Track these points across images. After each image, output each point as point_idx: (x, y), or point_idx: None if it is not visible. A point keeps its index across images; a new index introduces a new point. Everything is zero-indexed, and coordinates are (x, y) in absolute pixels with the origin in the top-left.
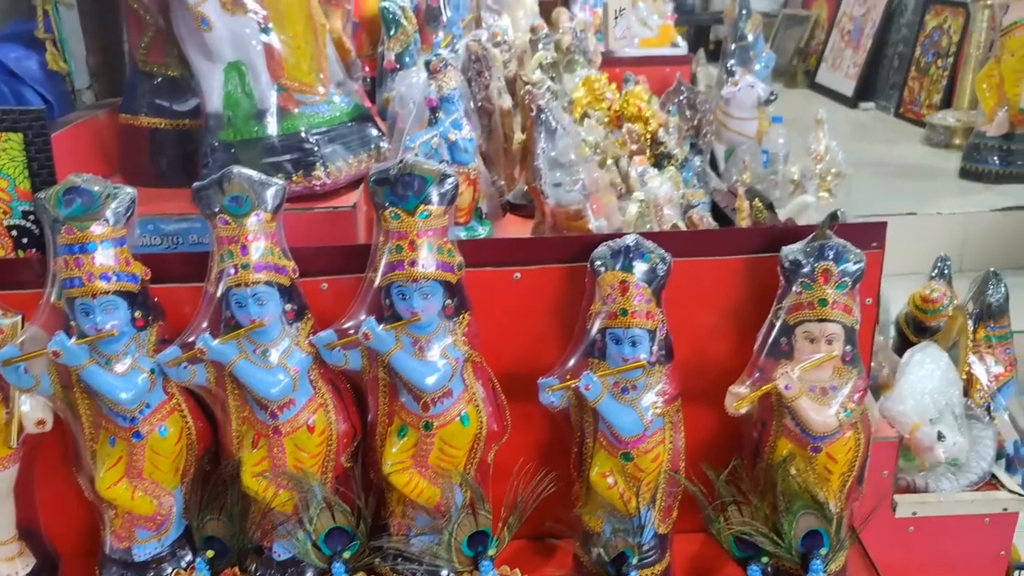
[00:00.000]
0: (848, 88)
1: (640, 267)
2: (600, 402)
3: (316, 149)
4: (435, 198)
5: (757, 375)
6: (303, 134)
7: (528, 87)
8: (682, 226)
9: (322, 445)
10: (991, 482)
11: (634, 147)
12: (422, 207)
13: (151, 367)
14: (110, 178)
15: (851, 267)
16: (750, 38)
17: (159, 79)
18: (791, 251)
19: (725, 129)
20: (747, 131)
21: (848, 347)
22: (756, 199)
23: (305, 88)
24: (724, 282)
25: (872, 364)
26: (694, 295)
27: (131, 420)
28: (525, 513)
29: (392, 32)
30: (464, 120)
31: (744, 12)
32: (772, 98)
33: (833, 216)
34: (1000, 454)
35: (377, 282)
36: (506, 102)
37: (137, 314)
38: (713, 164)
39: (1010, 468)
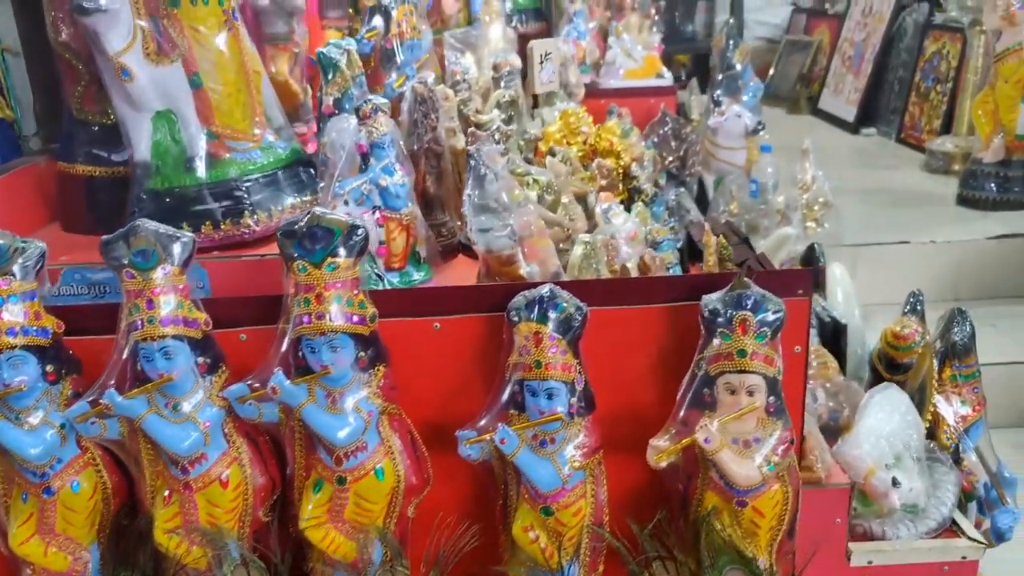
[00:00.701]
0: (850, 114)
1: (554, 318)
2: (517, 456)
3: (246, 196)
4: (343, 251)
5: (679, 427)
6: (234, 181)
7: (473, 129)
8: (632, 268)
9: (237, 500)
10: (951, 529)
11: (604, 182)
12: (329, 260)
13: (62, 422)
14: (48, 225)
15: (770, 316)
16: (738, 67)
17: (95, 128)
18: (710, 300)
19: (713, 159)
20: (735, 160)
21: (771, 398)
22: (722, 235)
23: (238, 135)
24: (647, 331)
25: (832, 404)
26: (616, 345)
27: (41, 476)
28: (446, 568)
29: (330, 76)
30: (396, 165)
31: (732, 42)
32: (759, 127)
33: (815, 254)
34: (971, 496)
35: (288, 335)
36: (459, 142)
37: (49, 368)
38: (703, 194)
39: (981, 511)
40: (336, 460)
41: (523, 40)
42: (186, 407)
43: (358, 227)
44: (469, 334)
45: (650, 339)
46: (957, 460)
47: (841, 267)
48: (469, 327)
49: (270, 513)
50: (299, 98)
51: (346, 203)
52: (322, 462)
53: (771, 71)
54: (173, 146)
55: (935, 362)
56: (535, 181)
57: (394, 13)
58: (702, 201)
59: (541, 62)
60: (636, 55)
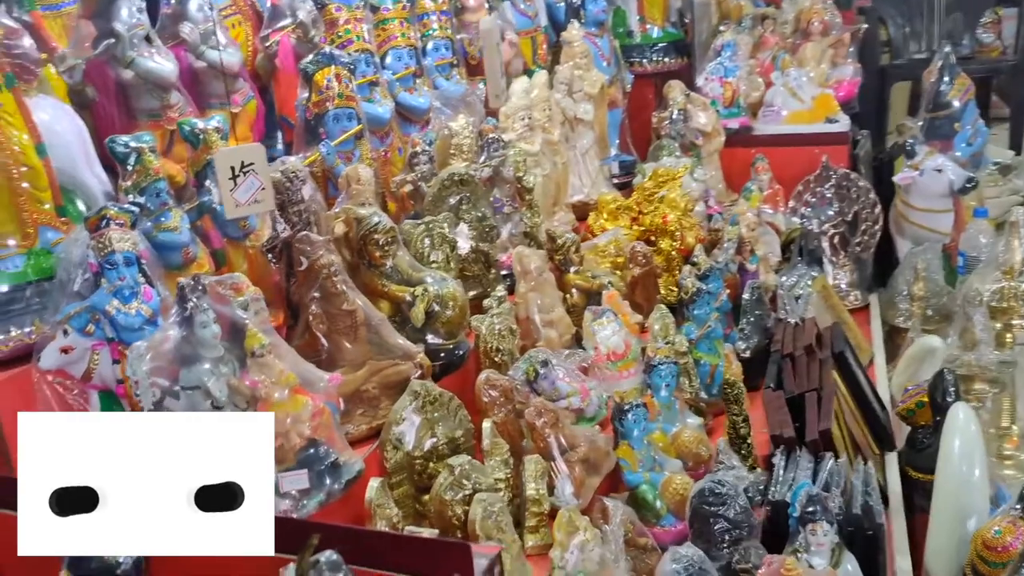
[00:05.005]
0: None
1: None
2: None
3: None
4: None
5: None
6: None
7: (306, 233)
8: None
9: None
10: None
11: (638, 271)
12: None
13: None
14: None
15: None
16: (956, 105)
17: None
18: None
19: (906, 222)
20: (937, 226)
21: None
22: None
23: None
24: None
25: None
26: None
27: None
28: None
29: (130, 167)
30: (138, 289)
31: (948, 73)
32: (970, 185)
33: (943, 384)
34: None
35: None
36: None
37: None
38: (889, 268)
39: None
40: None
41: (659, 78)
42: None
43: None
44: None
45: None
46: None
47: (966, 409)
48: None
49: None
50: (177, 180)
51: (65, 333)
52: None
53: None
54: None
55: None
56: (425, 292)
57: (316, 77)
58: (883, 277)
59: (233, 177)
60: (804, 94)
